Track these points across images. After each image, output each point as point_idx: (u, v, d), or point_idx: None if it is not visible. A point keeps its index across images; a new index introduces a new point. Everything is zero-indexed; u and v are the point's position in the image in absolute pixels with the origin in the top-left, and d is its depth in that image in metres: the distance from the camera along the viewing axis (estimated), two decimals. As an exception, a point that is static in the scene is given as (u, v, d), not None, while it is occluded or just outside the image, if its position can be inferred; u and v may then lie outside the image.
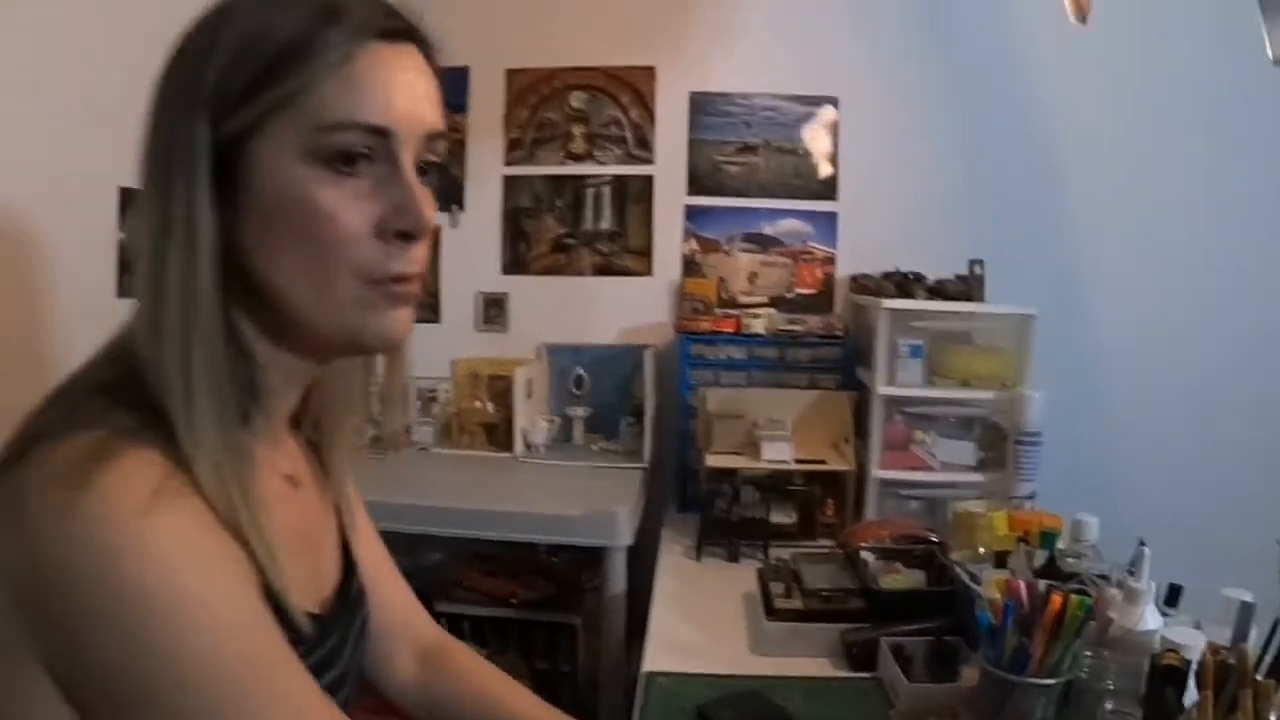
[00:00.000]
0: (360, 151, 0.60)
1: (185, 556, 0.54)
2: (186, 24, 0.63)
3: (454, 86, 2.04)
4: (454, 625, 1.72)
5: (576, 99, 2.03)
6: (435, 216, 0.63)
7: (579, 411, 1.98)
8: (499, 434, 1.89)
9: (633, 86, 2.02)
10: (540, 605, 1.73)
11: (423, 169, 0.63)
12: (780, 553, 1.52)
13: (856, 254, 1.98)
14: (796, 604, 1.30)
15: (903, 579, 1.32)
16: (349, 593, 0.78)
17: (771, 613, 1.28)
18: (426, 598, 1.71)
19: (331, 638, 0.72)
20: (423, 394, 1.97)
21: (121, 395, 0.59)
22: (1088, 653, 0.93)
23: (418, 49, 0.64)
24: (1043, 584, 1.00)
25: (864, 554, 1.36)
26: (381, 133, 0.60)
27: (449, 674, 1.00)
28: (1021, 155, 1.96)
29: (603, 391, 1.98)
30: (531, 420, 1.90)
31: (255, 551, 0.59)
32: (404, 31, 0.63)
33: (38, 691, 0.54)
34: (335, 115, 0.59)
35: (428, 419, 1.95)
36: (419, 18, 0.66)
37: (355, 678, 0.80)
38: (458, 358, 2.03)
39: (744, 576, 1.48)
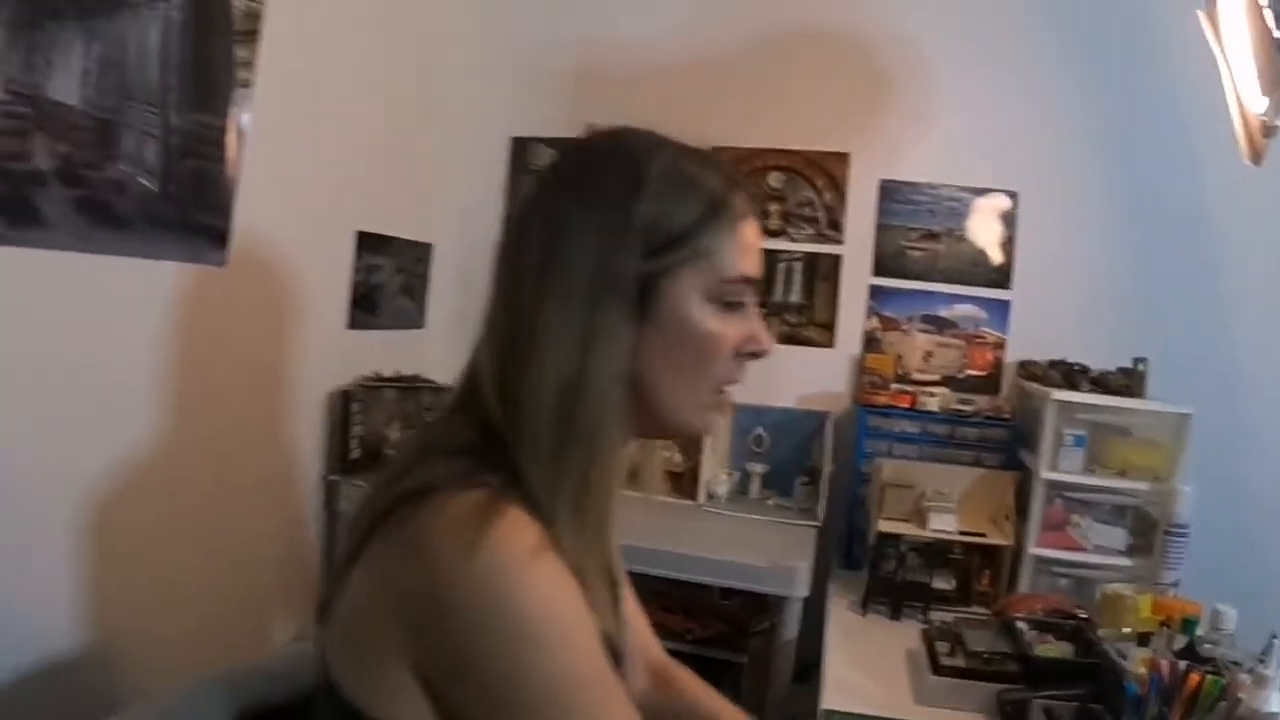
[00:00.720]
0: (737, 301, 0.84)
1: (560, 599, 0.72)
2: (577, 157, 0.85)
3: (662, 163, 2.32)
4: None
5: (775, 179, 2.27)
6: (772, 342, 0.86)
7: (757, 468, 2.21)
8: (684, 482, 2.14)
9: (827, 171, 2.24)
10: (711, 643, 1.96)
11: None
12: (940, 615, 1.71)
13: (1026, 340, 2.14)
14: (960, 662, 1.47)
15: (1054, 649, 1.47)
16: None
17: (937, 668, 1.46)
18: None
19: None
20: (617, 441, 2.24)
21: (485, 458, 0.77)
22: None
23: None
24: (1182, 664, 1.18)
25: (1019, 623, 1.52)
26: (751, 281, 0.85)
27: (675, 692, 1.16)
28: (1188, 257, 2.08)
29: (780, 451, 2.20)
30: (714, 472, 2.15)
31: (592, 597, 0.77)
32: (752, 210, 0.87)
33: (405, 691, 0.72)
34: (734, 272, 0.82)
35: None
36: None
37: None
38: (654, 410, 2.28)
39: (906, 633, 1.67)
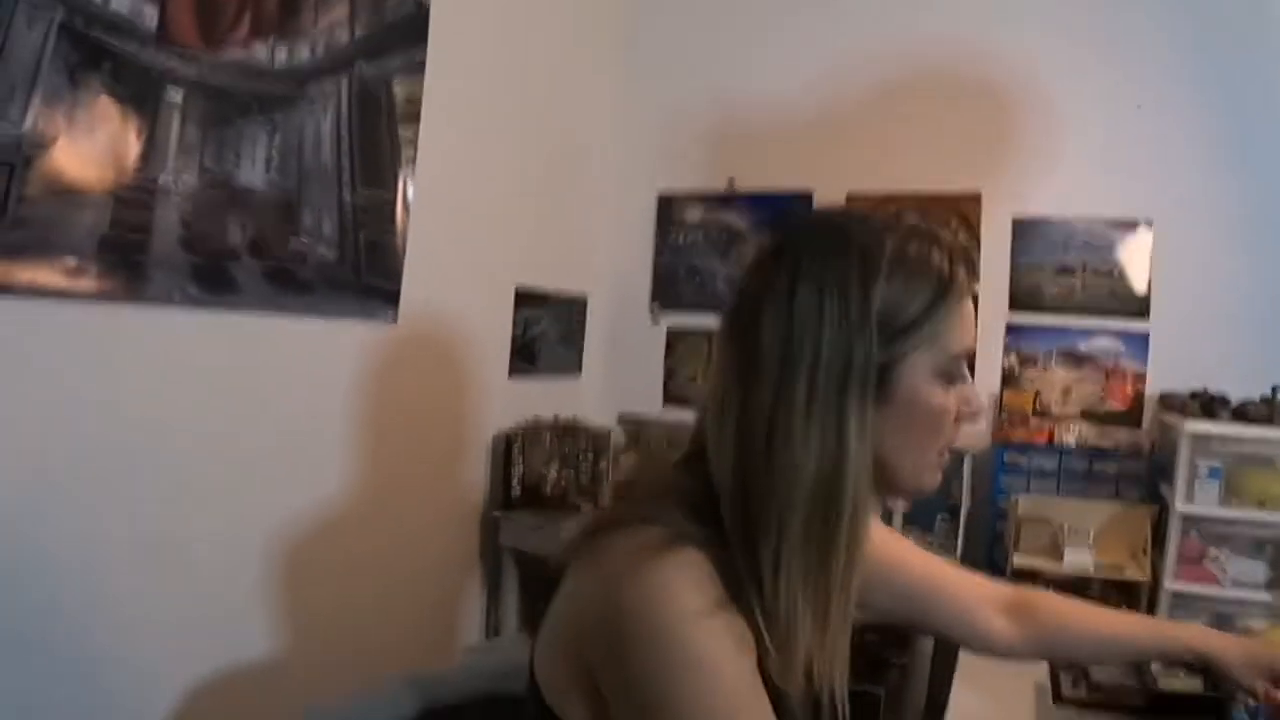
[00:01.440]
0: (961, 373, 0.90)
1: (732, 669, 0.78)
2: (809, 246, 0.86)
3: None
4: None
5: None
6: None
7: (898, 504, 2.27)
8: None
9: (961, 211, 2.32)
10: (852, 674, 2.03)
11: None
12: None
13: (1167, 371, 2.13)
14: (1081, 694, 1.48)
15: (1181, 683, 1.46)
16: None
17: (1058, 699, 1.49)
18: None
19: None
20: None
21: (697, 508, 0.84)
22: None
23: None
24: None
25: (1154, 666, 1.48)
26: (970, 355, 0.94)
27: (1043, 617, 1.27)
28: None
29: None
30: (856, 509, 2.23)
31: (769, 647, 0.82)
32: (974, 274, 1.00)
33: (587, 698, 0.83)
34: (959, 349, 0.88)
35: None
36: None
37: None
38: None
39: (1037, 669, 1.67)
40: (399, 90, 1.87)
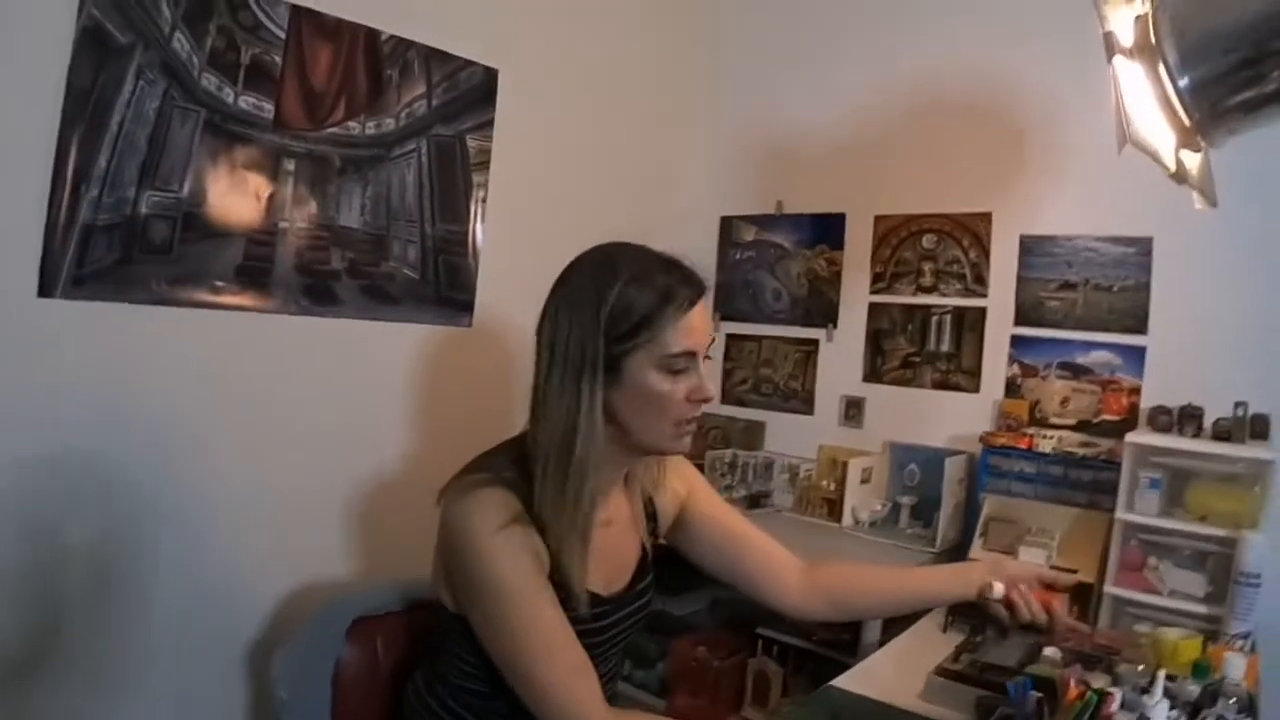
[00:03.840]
0: (683, 366, 1.31)
1: (510, 564, 1.28)
2: (579, 268, 1.35)
3: (834, 229, 2.93)
4: (767, 647, 2.57)
5: (927, 240, 2.74)
6: (714, 388, 1.48)
7: (906, 500, 2.65)
8: (838, 508, 2.66)
9: (972, 230, 2.65)
10: (832, 644, 2.47)
11: (709, 359, 1.38)
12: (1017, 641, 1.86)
13: (1162, 385, 2.32)
14: (958, 668, 1.72)
15: (1049, 670, 1.57)
16: (635, 589, 1.50)
17: (937, 670, 1.72)
18: (753, 622, 2.59)
19: (617, 612, 1.44)
20: (791, 469, 2.85)
21: (517, 460, 1.34)
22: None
23: (701, 299, 1.35)
24: (1078, 678, 1.40)
25: (1047, 649, 1.69)
26: (693, 353, 1.32)
27: (833, 577, 1.66)
28: None
29: (929, 485, 2.60)
30: (864, 501, 2.65)
31: (565, 559, 1.30)
32: (700, 292, 1.34)
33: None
34: (676, 349, 1.30)
35: (791, 489, 2.82)
36: (702, 280, 1.37)
37: (632, 635, 1.52)
38: (823, 444, 2.86)
39: None
40: (471, 144, 2.54)
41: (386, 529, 2.39)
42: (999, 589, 1.60)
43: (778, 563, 1.66)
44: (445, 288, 2.52)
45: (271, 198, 2.13)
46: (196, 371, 2.02)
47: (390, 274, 2.40)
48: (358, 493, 2.37)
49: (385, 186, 2.37)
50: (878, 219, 2.85)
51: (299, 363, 2.22)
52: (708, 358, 1.38)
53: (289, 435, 2.20)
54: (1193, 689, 1.39)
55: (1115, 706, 1.28)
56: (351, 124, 2.28)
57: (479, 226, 2.58)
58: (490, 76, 2.56)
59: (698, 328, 1.34)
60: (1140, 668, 1.53)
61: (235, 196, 2.07)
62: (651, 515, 1.59)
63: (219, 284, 2.06)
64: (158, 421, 1.96)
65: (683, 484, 1.65)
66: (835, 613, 1.71)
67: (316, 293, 2.24)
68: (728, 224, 3.22)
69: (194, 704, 2.07)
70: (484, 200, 2.58)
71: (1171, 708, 1.32)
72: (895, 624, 2.16)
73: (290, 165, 2.17)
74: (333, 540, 2.35)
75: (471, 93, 2.53)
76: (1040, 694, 1.24)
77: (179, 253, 1.98)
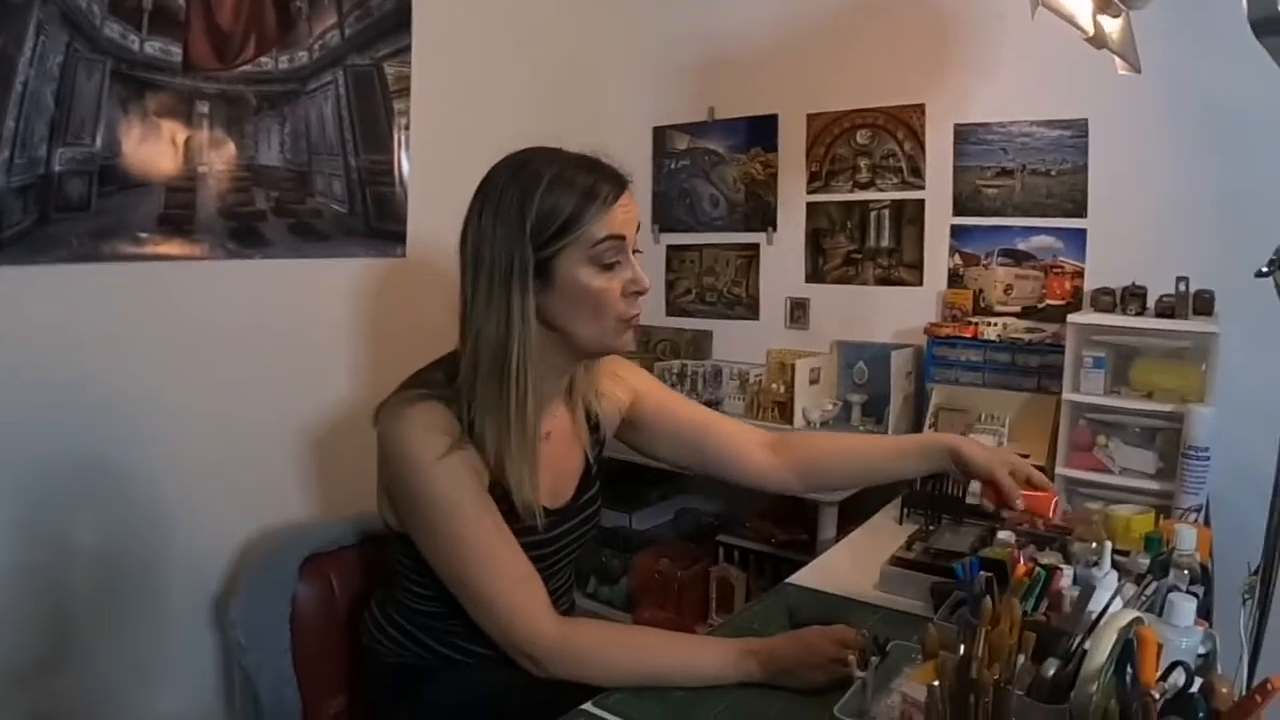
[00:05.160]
0: (614, 259, 1.33)
1: (449, 479, 1.32)
2: (496, 178, 1.35)
3: (768, 132, 2.97)
4: (728, 554, 2.69)
5: (861, 136, 2.79)
6: (649, 279, 1.40)
7: (856, 398, 2.75)
8: (789, 410, 2.75)
9: (906, 123, 2.71)
10: (791, 546, 2.59)
11: (639, 253, 1.40)
12: (972, 527, 1.94)
13: (1105, 267, 2.41)
14: (911, 556, 1.81)
15: (1000, 552, 1.61)
16: (580, 500, 1.55)
17: (891, 560, 1.80)
18: (715, 530, 2.70)
19: (563, 524, 1.48)
20: (740, 376, 2.92)
21: (450, 375, 1.37)
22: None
23: (627, 191, 1.37)
24: (1028, 556, 1.45)
25: (1001, 533, 1.75)
26: (618, 236, 1.33)
27: (801, 448, 1.70)
28: (1263, 173, 2.21)
29: (877, 381, 2.70)
30: (815, 401, 2.75)
31: (509, 472, 1.34)
32: (623, 186, 1.36)
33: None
34: (603, 234, 1.30)
35: (742, 396, 2.90)
36: (626, 172, 1.39)
37: (580, 549, 1.57)
38: (771, 348, 2.93)
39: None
40: (390, 71, 2.51)
41: (342, 467, 2.43)
42: (975, 487, 1.69)
43: (742, 440, 1.70)
44: (375, 219, 2.53)
45: (188, 143, 2.11)
46: (129, 326, 2.03)
47: (317, 210, 2.40)
48: (309, 433, 2.41)
49: (304, 121, 2.35)
50: (810, 118, 2.89)
51: (233, 308, 2.22)
52: (638, 251, 1.40)
53: (232, 382, 2.22)
54: (1143, 562, 1.44)
55: (1065, 581, 1.32)
56: (264, 60, 2.25)
57: (404, 155, 2.57)
58: (404, 1, 2.53)
59: (625, 218, 1.36)
60: (1093, 545, 1.55)
61: (150, 145, 2.04)
62: (595, 427, 1.62)
63: (142, 235, 2.04)
64: (94, 381, 1.97)
65: (625, 390, 1.67)
66: (805, 484, 1.74)
67: (243, 235, 2.24)
68: (660, 134, 3.24)
69: (158, 662, 2.13)
70: (407, 128, 2.57)
71: (1120, 579, 1.32)
72: (851, 521, 2.29)
73: (204, 108, 2.14)
74: (289, 483, 2.39)
75: (385, 19, 2.49)
76: (990, 574, 1.25)
77: (98, 207, 1.96)
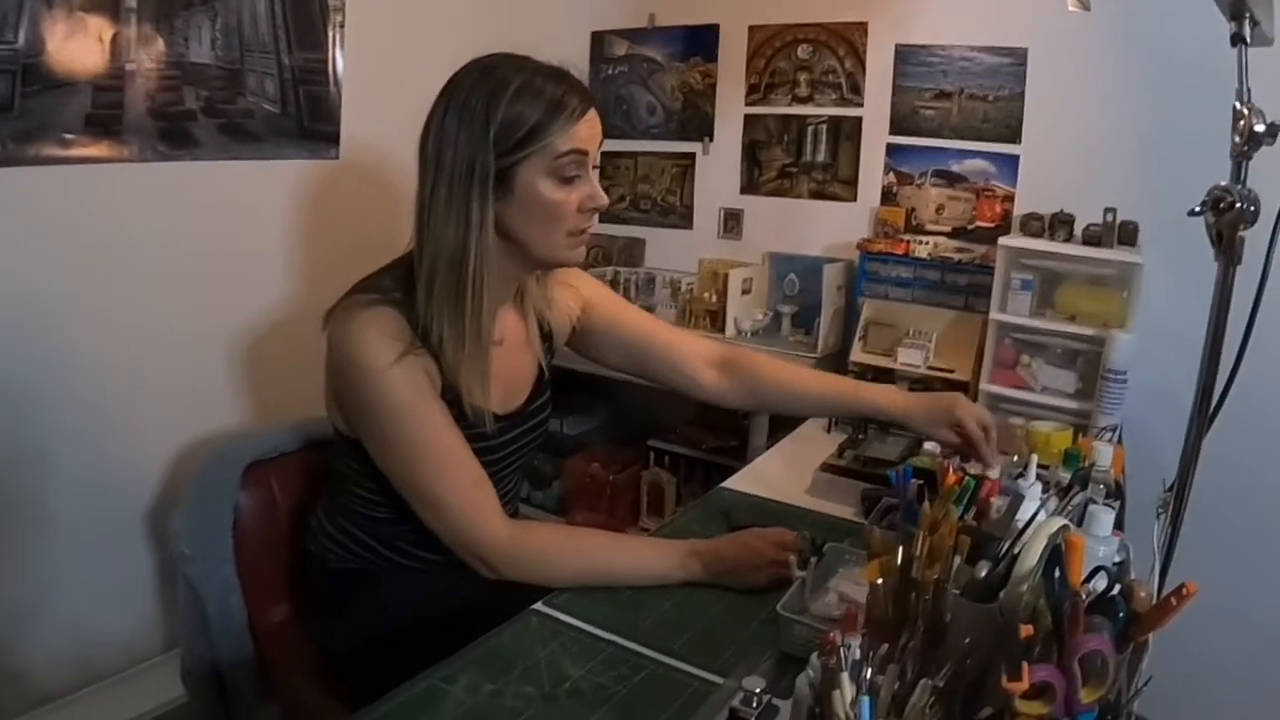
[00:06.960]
0: (574, 173, 1.36)
1: (400, 382, 1.34)
2: (463, 81, 1.34)
3: (707, 41, 3.01)
4: (659, 459, 2.81)
5: (803, 50, 2.86)
6: (606, 197, 1.43)
7: (786, 309, 2.88)
8: (720, 319, 2.84)
9: (848, 40, 2.78)
10: (721, 450, 2.73)
11: (598, 170, 1.42)
12: (897, 437, 2.06)
13: (1035, 193, 2.53)
14: (843, 463, 1.91)
15: (929, 461, 1.79)
16: (531, 406, 1.60)
17: (823, 466, 1.90)
18: (646, 434, 2.81)
19: (514, 430, 1.53)
20: (672, 284, 3.02)
21: (402, 280, 1.38)
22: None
23: (593, 107, 1.39)
24: (956, 465, 1.47)
25: (927, 445, 1.86)
26: (582, 151, 1.36)
27: (746, 370, 1.76)
28: (1193, 112, 2.22)
29: (809, 294, 2.83)
30: (747, 311, 2.86)
31: (461, 377, 1.37)
32: (591, 101, 1.38)
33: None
34: (566, 148, 1.32)
35: (674, 304, 3.00)
36: (592, 91, 1.41)
37: (531, 454, 1.64)
38: (704, 257, 3.03)
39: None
40: (325, -37, 2.50)
41: (281, 372, 2.47)
42: (931, 446, 1.81)
43: (690, 353, 1.78)
44: (308, 120, 2.52)
45: (115, 39, 2.07)
46: (56, 232, 2.01)
47: (249, 110, 2.38)
48: (243, 340, 2.44)
49: (235, 16, 2.32)
50: (752, 29, 2.94)
51: (164, 212, 2.21)
52: (596, 167, 1.43)
53: (164, 288, 2.23)
54: (1064, 475, 1.50)
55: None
56: (194, -50, 2.21)
57: (339, 53, 2.55)
58: (337, -113, 2.49)
59: (590, 133, 1.39)
60: (1015, 458, 1.67)
61: (76, 41, 2.00)
62: (547, 335, 1.66)
63: (68, 136, 2.01)
64: (22, 288, 1.96)
65: (576, 298, 1.72)
66: (751, 403, 1.85)
67: (173, 136, 2.22)
68: (599, 39, 3.25)
69: (99, 574, 2.18)
70: (342, 25, 2.54)
71: (1044, 491, 1.40)
72: (781, 428, 2.42)
73: (132, 2, 2.09)
74: (226, 390, 2.43)
75: (319, -94, 2.46)
76: (921, 481, 1.32)
77: (21, 108, 1.92)
